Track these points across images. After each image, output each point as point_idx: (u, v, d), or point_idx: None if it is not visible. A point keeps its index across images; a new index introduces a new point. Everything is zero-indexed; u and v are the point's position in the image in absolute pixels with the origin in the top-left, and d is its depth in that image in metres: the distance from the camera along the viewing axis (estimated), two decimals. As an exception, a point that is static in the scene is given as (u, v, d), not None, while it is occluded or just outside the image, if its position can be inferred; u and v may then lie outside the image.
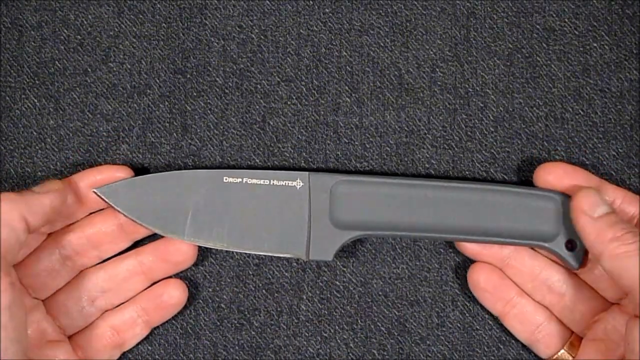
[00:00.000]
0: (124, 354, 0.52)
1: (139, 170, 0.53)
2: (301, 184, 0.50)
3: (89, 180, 0.50)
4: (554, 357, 0.50)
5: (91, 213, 0.51)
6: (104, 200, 0.50)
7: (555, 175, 0.50)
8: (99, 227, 0.50)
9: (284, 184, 0.50)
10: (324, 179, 0.50)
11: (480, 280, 0.50)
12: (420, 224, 0.50)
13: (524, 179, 0.52)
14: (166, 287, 0.51)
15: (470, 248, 0.50)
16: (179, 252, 0.50)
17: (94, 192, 0.50)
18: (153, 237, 0.51)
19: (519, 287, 0.51)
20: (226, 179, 0.50)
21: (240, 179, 0.50)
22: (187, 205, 0.50)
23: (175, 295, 0.51)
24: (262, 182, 0.50)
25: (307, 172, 0.50)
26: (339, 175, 0.50)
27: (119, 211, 0.50)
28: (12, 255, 0.44)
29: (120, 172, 0.51)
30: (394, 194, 0.50)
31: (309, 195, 0.50)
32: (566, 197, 0.49)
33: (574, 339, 0.50)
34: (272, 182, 0.50)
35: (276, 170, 0.51)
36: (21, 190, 0.47)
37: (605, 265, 0.46)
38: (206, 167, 0.53)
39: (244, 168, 0.53)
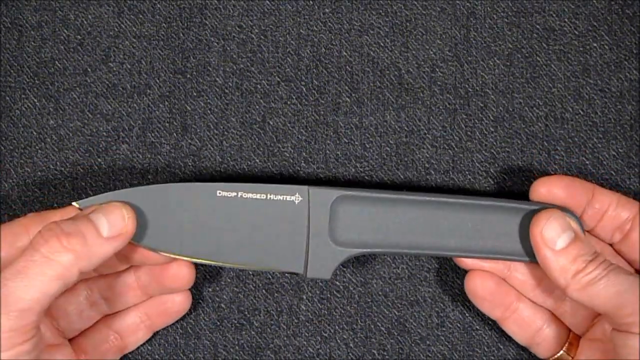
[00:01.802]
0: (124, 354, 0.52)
1: (139, 171, 0.53)
2: (300, 198, 0.48)
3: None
4: (553, 358, 0.50)
5: None
6: None
7: (551, 189, 0.49)
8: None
9: (281, 198, 0.48)
10: (324, 194, 0.48)
11: (478, 288, 0.50)
12: (421, 242, 0.49)
13: (524, 179, 0.52)
14: (171, 294, 0.50)
15: (470, 262, 0.50)
16: (175, 277, 0.49)
17: (74, 205, 0.47)
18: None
19: (521, 294, 0.50)
20: (220, 193, 0.48)
21: (234, 193, 0.48)
22: (179, 220, 0.47)
23: (179, 301, 0.50)
24: (258, 196, 0.48)
25: (306, 187, 0.48)
26: (339, 190, 0.48)
27: None
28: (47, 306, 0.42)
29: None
30: (396, 211, 0.49)
31: (308, 210, 0.48)
32: (565, 211, 0.48)
33: (572, 339, 0.50)
34: (268, 196, 0.48)
35: (273, 185, 0.49)
36: (84, 228, 0.43)
37: (573, 297, 0.46)
38: (201, 173, 0.53)
39: (243, 168, 0.53)
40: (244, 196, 0.48)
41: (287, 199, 0.48)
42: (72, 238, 0.42)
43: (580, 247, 0.46)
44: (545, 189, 0.49)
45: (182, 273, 0.49)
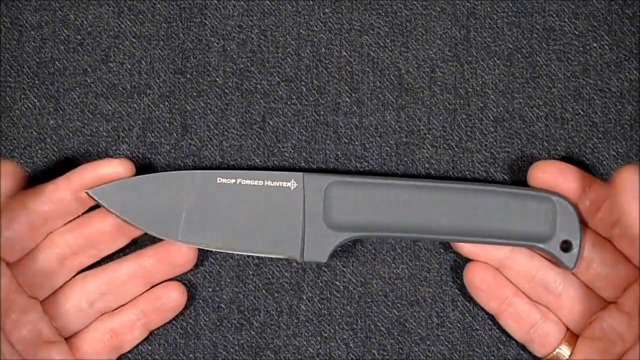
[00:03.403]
0: (123, 354, 0.52)
1: (140, 170, 0.53)
2: (295, 184, 0.50)
3: (89, 177, 0.50)
4: (550, 356, 0.50)
5: (89, 209, 0.51)
6: (96, 201, 0.49)
7: (549, 173, 0.50)
8: (97, 226, 0.50)
9: (278, 184, 0.50)
10: (318, 180, 0.50)
11: (476, 278, 0.50)
12: (415, 225, 0.49)
13: (524, 179, 0.52)
14: (165, 290, 0.51)
15: (466, 248, 0.50)
16: (180, 254, 0.50)
17: (86, 192, 0.49)
18: (153, 238, 0.51)
19: (516, 287, 0.51)
20: (220, 180, 0.50)
21: (234, 180, 0.50)
22: (181, 206, 0.49)
23: (174, 297, 0.51)
24: (256, 182, 0.50)
25: (301, 173, 0.50)
26: (333, 175, 0.50)
27: (111, 212, 0.49)
28: None
29: (120, 166, 0.50)
30: (388, 195, 0.50)
31: (303, 196, 0.50)
32: (562, 197, 0.49)
33: (569, 337, 0.50)
34: (266, 182, 0.50)
35: (270, 171, 0.50)
36: None
37: None
38: (202, 168, 0.53)
39: (243, 168, 0.53)
40: (242, 183, 0.50)
41: (283, 185, 0.50)
42: None
43: None
44: (541, 172, 0.50)
45: (185, 249, 0.50)
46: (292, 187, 0.50)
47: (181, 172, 0.50)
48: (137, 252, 0.51)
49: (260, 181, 0.50)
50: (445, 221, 0.49)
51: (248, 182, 0.50)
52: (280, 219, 0.50)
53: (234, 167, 0.53)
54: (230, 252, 0.51)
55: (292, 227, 0.49)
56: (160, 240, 0.51)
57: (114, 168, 0.50)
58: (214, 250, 0.51)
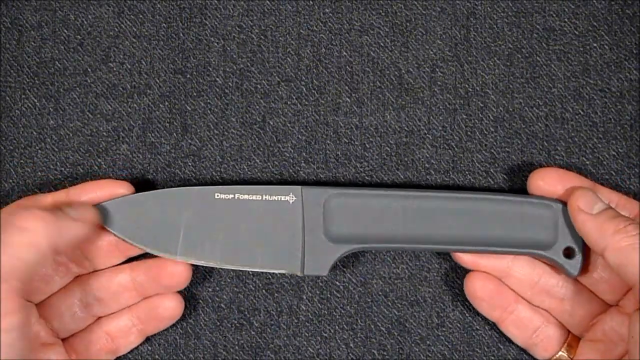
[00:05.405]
0: (123, 355, 0.52)
1: (139, 171, 0.53)
2: (294, 198, 0.50)
3: (89, 196, 0.49)
4: (552, 359, 0.50)
5: None
6: None
7: (549, 181, 0.50)
8: (92, 241, 0.50)
9: (276, 198, 0.50)
10: (317, 193, 0.50)
11: (477, 289, 0.50)
12: (416, 236, 0.49)
13: (524, 179, 0.52)
14: (162, 300, 0.50)
15: (467, 259, 0.50)
16: (172, 275, 0.50)
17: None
18: (148, 254, 0.51)
19: (518, 294, 0.50)
20: (218, 195, 0.50)
21: (232, 195, 0.50)
22: (179, 223, 0.49)
23: (170, 307, 0.50)
24: (254, 197, 0.50)
25: (299, 187, 0.50)
26: (332, 188, 0.50)
27: (109, 231, 0.49)
28: (30, 278, 0.44)
29: (121, 188, 0.50)
30: (388, 206, 0.49)
31: (302, 209, 0.49)
32: (563, 204, 0.49)
33: (571, 340, 0.50)
34: (264, 197, 0.50)
35: (268, 185, 0.50)
36: (54, 209, 0.46)
37: (610, 259, 0.45)
38: (202, 168, 0.53)
39: (243, 168, 0.53)
40: (240, 197, 0.50)
41: (282, 199, 0.50)
42: (42, 211, 0.45)
43: (616, 212, 0.47)
44: (541, 179, 0.50)
45: (178, 270, 0.50)
46: (291, 201, 0.50)
47: (179, 188, 0.50)
48: (131, 264, 0.51)
49: (258, 196, 0.50)
50: (447, 231, 0.49)
51: (246, 196, 0.50)
52: (279, 233, 0.49)
53: (234, 168, 0.53)
54: (229, 268, 0.51)
55: (291, 241, 0.49)
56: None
57: (114, 190, 0.50)
58: (213, 266, 0.51)
